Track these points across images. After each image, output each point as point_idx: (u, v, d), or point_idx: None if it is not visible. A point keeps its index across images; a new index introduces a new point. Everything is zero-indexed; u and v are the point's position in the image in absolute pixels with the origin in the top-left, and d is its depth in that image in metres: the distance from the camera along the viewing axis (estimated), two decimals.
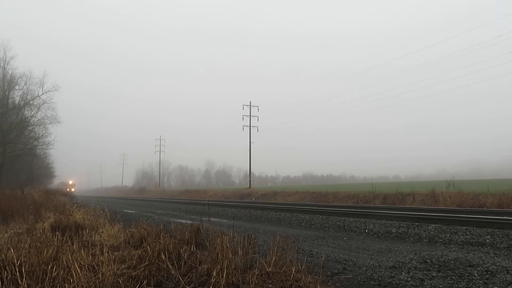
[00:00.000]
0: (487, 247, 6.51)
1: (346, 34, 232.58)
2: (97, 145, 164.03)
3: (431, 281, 4.28)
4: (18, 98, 42.07)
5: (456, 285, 4.14)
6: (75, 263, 4.05)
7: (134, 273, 4.18)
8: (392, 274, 4.64)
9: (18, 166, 41.49)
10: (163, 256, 4.56)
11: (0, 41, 39.52)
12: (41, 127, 44.06)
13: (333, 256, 5.85)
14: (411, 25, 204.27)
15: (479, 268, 4.84)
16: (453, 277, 4.43)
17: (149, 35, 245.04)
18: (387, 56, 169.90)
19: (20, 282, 3.62)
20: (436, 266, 5.01)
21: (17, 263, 3.88)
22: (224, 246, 4.30)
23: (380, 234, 8.46)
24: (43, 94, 40.50)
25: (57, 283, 3.68)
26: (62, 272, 3.86)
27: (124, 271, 4.28)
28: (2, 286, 3.69)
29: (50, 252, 4.54)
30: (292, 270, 4.00)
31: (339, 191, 28.32)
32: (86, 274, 3.88)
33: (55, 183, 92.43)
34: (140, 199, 43.56)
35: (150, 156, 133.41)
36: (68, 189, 76.15)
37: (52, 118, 42.39)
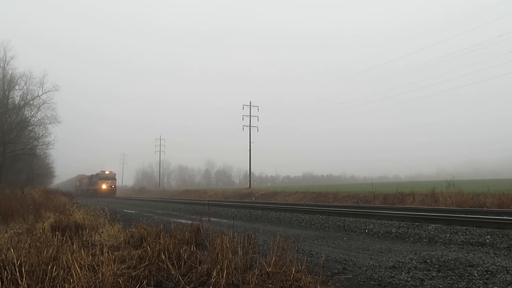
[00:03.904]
0: (487, 247, 6.51)
1: (346, 34, 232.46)
2: (97, 146, 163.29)
3: (431, 281, 4.28)
4: (18, 98, 42.20)
5: (456, 285, 4.14)
6: (75, 263, 4.05)
7: (134, 273, 4.18)
8: (392, 274, 4.64)
9: (18, 166, 41.49)
10: (163, 256, 4.56)
11: (0, 41, 39.62)
12: (41, 127, 44.16)
13: (333, 256, 5.85)
14: (411, 25, 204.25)
15: (479, 268, 4.84)
16: (453, 277, 4.43)
17: (149, 36, 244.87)
18: (387, 56, 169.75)
19: (20, 282, 3.62)
20: (436, 266, 5.01)
21: (17, 263, 3.88)
22: (224, 246, 4.30)
23: (380, 234, 8.46)
24: (43, 94, 40.60)
25: (57, 283, 3.68)
26: (62, 272, 3.86)
27: (124, 271, 4.28)
28: (2, 286, 3.69)
29: (50, 252, 4.54)
30: (292, 270, 4.00)
31: (339, 191, 28.31)
32: (86, 274, 3.88)
33: (68, 178, 75.40)
34: (140, 199, 43.54)
35: (150, 156, 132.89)
36: (103, 187, 51.24)
37: (52, 118, 42.52)
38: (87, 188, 56.78)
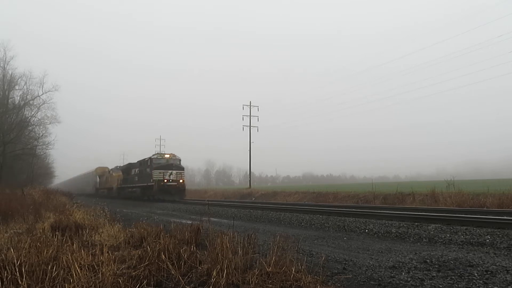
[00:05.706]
0: (487, 247, 6.50)
1: (346, 34, 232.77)
2: (97, 146, 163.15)
3: (431, 281, 4.28)
4: (18, 98, 42.18)
5: (456, 285, 4.14)
6: (75, 263, 4.05)
7: (134, 273, 4.18)
8: (392, 274, 4.64)
9: (18, 166, 41.50)
10: (163, 256, 4.56)
11: (0, 41, 39.62)
12: (41, 127, 44.09)
13: (333, 256, 5.85)
14: (411, 25, 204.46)
15: (479, 268, 4.83)
16: (453, 277, 4.43)
17: (149, 36, 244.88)
18: (387, 56, 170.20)
19: (20, 282, 3.62)
20: (436, 266, 5.01)
21: (17, 263, 3.88)
22: (224, 246, 4.30)
23: (380, 234, 8.45)
24: (43, 94, 40.54)
25: (57, 283, 3.68)
26: (62, 272, 3.86)
27: (124, 271, 4.28)
28: (2, 286, 3.69)
29: (50, 252, 4.54)
30: (292, 270, 4.00)
31: (339, 191, 28.30)
32: (86, 274, 3.88)
33: (78, 174, 64.65)
34: (139, 199, 43.43)
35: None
36: (165, 181, 27.19)
37: (52, 118, 42.43)
38: (120, 185, 36.19)
